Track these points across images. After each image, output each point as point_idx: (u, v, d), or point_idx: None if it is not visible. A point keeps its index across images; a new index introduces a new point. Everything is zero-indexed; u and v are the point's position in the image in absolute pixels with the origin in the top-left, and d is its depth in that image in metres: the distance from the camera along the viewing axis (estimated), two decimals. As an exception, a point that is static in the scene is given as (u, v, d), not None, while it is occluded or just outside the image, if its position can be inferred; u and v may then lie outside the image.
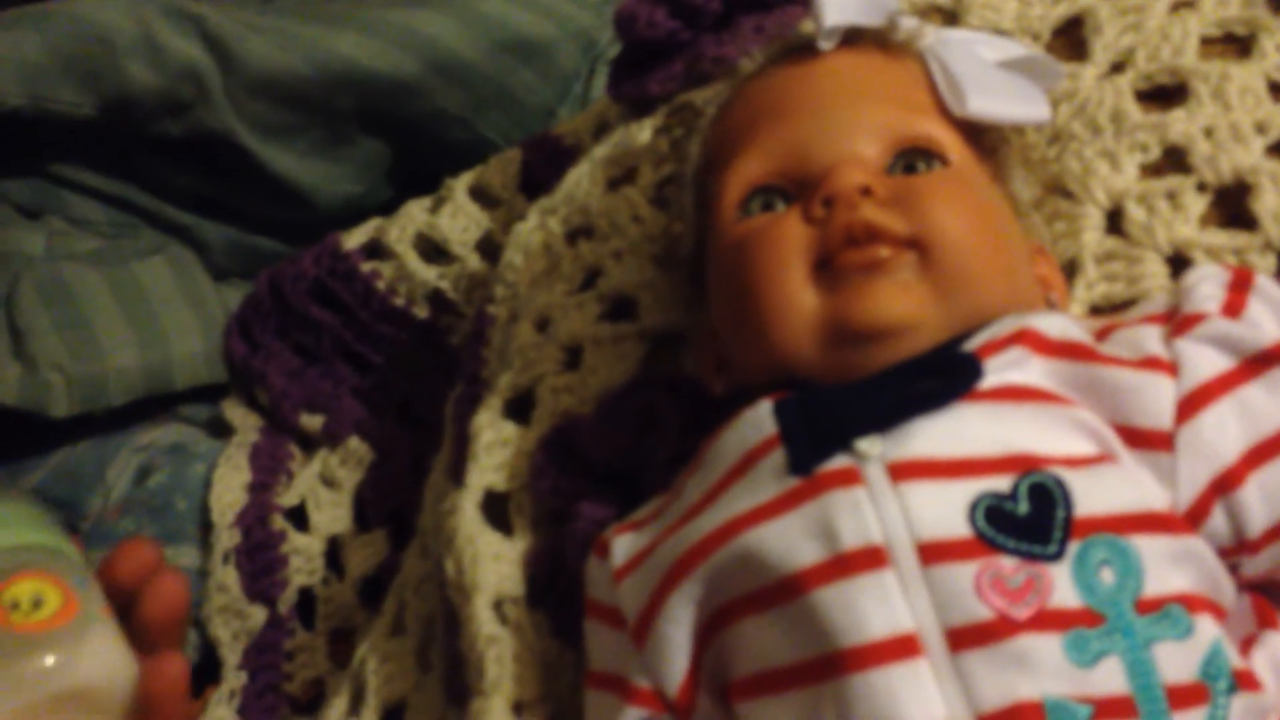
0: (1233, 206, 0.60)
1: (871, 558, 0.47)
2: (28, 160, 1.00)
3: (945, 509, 0.48)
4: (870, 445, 0.49)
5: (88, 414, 0.89)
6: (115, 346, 0.90)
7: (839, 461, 0.50)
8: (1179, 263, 0.60)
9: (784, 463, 0.51)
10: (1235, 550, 0.50)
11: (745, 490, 0.52)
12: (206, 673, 0.82)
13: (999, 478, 0.48)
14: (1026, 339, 0.51)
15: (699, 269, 0.61)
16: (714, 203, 0.58)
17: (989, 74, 0.58)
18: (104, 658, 0.53)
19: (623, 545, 0.56)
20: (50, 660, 0.51)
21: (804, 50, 0.58)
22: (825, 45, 0.57)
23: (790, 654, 0.49)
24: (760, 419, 0.52)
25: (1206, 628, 0.47)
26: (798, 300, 0.53)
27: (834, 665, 0.47)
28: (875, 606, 0.47)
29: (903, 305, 0.51)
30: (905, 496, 0.48)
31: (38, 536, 0.56)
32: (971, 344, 0.51)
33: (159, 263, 0.98)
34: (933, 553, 0.47)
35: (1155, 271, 0.60)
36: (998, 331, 0.52)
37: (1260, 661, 0.50)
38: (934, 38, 0.58)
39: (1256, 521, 0.49)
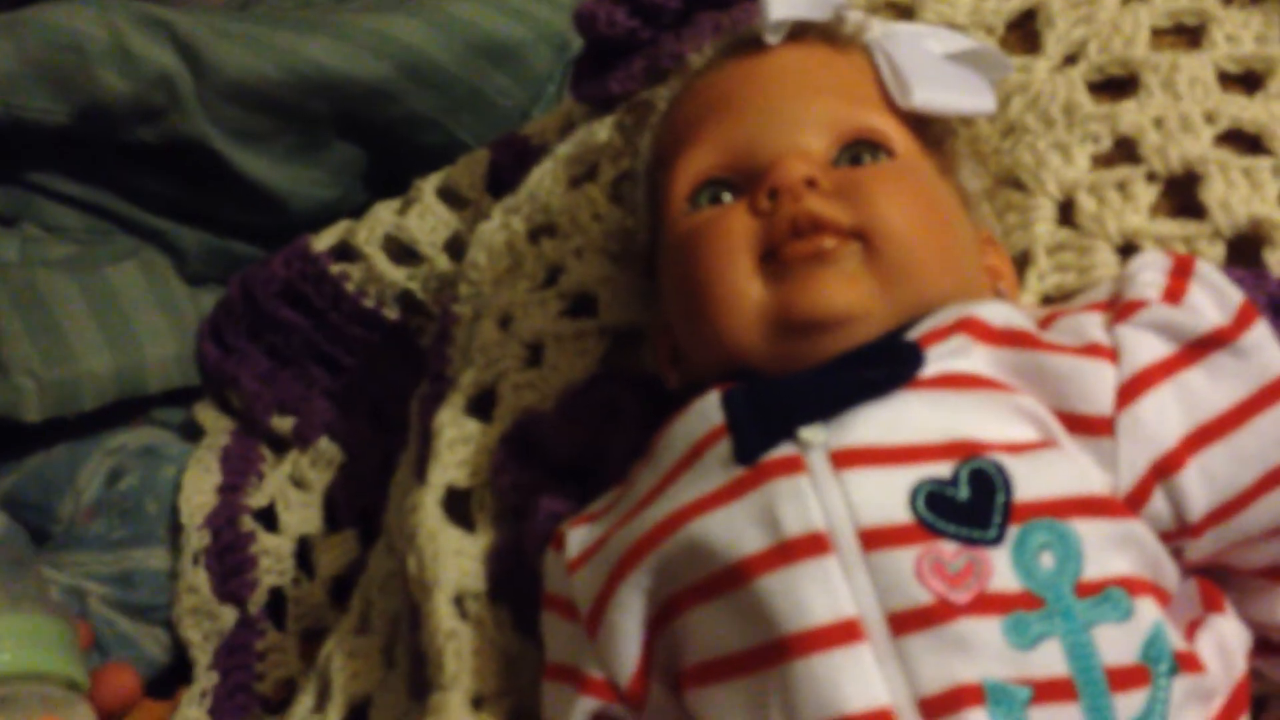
0: (1182, 196, 0.61)
1: (814, 544, 0.48)
2: (1, 167, 1.01)
3: (886, 495, 0.48)
4: (814, 434, 0.50)
5: (60, 418, 0.90)
6: (87, 351, 0.91)
7: (783, 450, 0.50)
8: (1130, 252, 0.60)
9: (730, 452, 0.51)
10: (1177, 534, 0.50)
11: (693, 480, 0.52)
12: (178, 674, 0.82)
13: (940, 464, 0.48)
14: (969, 327, 0.52)
15: (652, 263, 0.61)
16: (664, 197, 0.58)
17: (935, 66, 0.58)
18: None
19: (577, 537, 0.57)
20: None
21: (751, 45, 0.59)
22: (771, 40, 0.58)
23: (737, 642, 0.49)
24: (708, 409, 0.53)
25: (1147, 610, 0.48)
26: (744, 291, 0.53)
27: (778, 652, 0.47)
28: (818, 592, 0.47)
29: (847, 295, 0.52)
30: (847, 483, 0.48)
31: (58, 663, 0.55)
32: (914, 333, 0.52)
33: (131, 267, 0.98)
34: (874, 539, 0.47)
35: (1106, 261, 0.60)
36: (941, 320, 0.52)
37: (1205, 644, 0.50)
38: (880, 31, 0.59)
39: (1197, 505, 0.50)
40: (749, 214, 0.54)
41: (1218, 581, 0.53)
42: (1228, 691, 0.50)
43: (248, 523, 0.84)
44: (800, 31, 0.58)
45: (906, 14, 0.71)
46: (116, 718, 0.62)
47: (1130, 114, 0.63)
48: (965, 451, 0.49)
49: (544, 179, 0.76)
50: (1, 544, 0.59)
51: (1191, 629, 0.51)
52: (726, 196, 0.56)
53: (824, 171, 0.54)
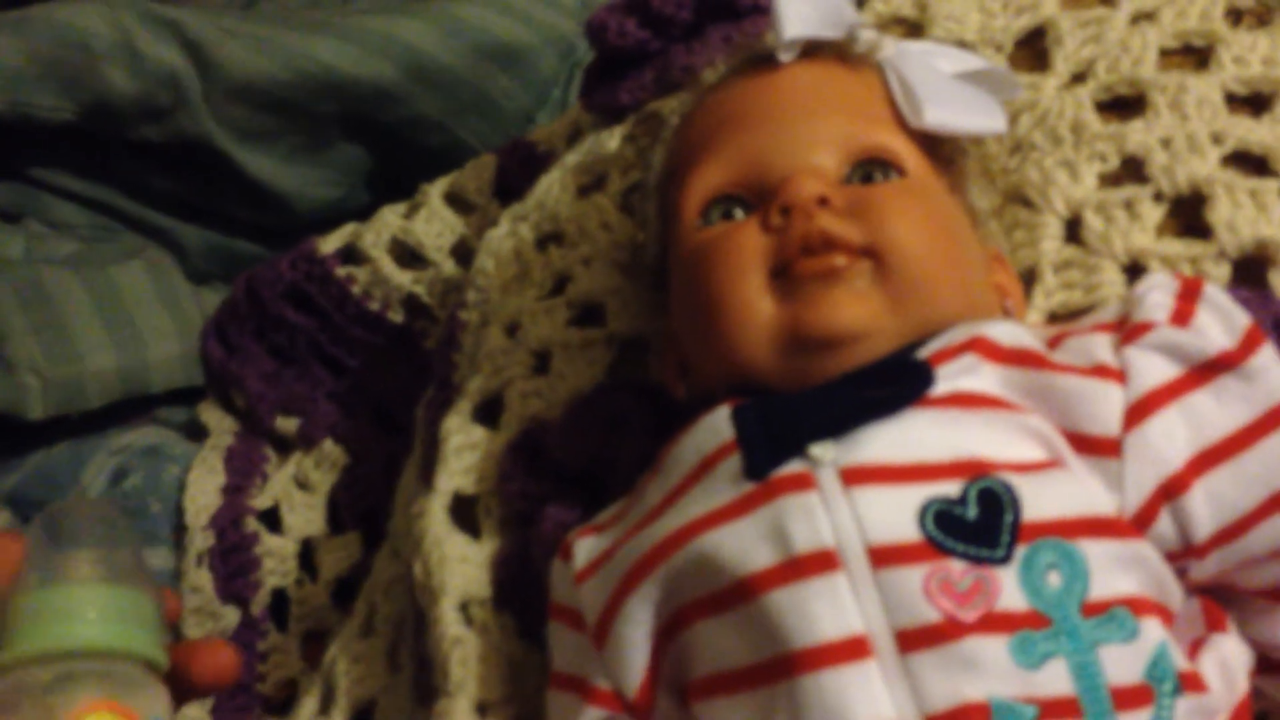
0: (1189, 216, 0.61)
1: (823, 561, 0.48)
2: (7, 164, 1.01)
3: (896, 513, 0.48)
4: (824, 451, 0.50)
5: (64, 416, 0.90)
6: (92, 349, 0.91)
7: (793, 466, 0.50)
8: (1136, 271, 0.61)
9: (740, 467, 0.51)
10: (1182, 554, 0.51)
11: (702, 494, 0.52)
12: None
13: (949, 483, 0.49)
14: (978, 346, 0.52)
15: (662, 276, 0.62)
16: (675, 211, 0.58)
17: (946, 86, 0.58)
18: None
19: (585, 548, 0.57)
20: None
21: (764, 61, 0.59)
22: (785, 57, 0.58)
23: (745, 655, 0.50)
24: (717, 424, 0.53)
25: (1152, 630, 0.48)
26: (755, 307, 0.54)
27: (786, 666, 0.48)
28: (826, 609, 0.48)
29: (857, 313, 0.52)
30: (857, 501, 0.49)
31: (135, 641, 0.55)
32: (924, 351, 0.52)
33: (136, 266, 0.98)
34: (883, 556, 0.48)
35: (1112, 280, 0.61)
36: (950, 339, 0.53)
37: (1208, 664, 0.51)
38: (892, 50, 0.59)
39: (1203, 526, 0.50)
40: (761, 230, 0.55)
41: (1220, 601, 0.54)
42: (1229, 710, 0.50)
43: (252, 524, 0.84)
44: (813, 49, 0.59)
45: (916, 30, 0.71)
46: (211, 693, 0.61)
47: (1138, 134, 0.63)
48: (974, 470, 0.49)
49: (552, 187, 0.76)
50: (101, 511, 0.59)
51: (1194, 648, 0.51)
52: (738, 213, 0.56)
53: (835, 189, 0.54)
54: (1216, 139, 0.62)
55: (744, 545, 0.50)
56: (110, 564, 0.56)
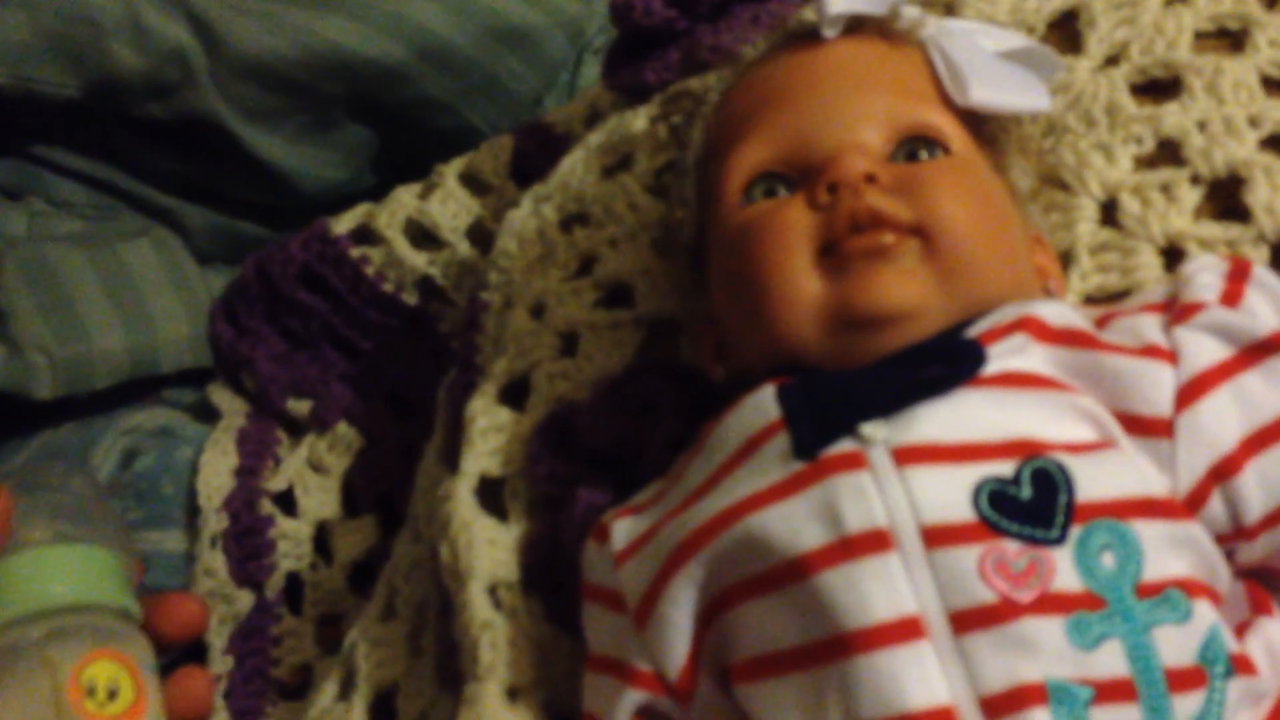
0: (1226, 199, 0.61)
1: (876, 541, 0.48)
2: (9, 140, 0.99)
3: (949, 493, 0.48)
4: (875, 430, 0.50)
5: (71, 396, 0.88)
6: (100, 329, 0.89)
7: (843, 445, 0.50)
8: (1172, 254, 0.61)
9: (788, 447, 0.51)
10: (1232, 536, 0.51)
11: (749, 474, 0.52)
12: (193, 658, 0.81)
13: (1002, 462, 0.48)
14: (1028, 326, 0.52)
15: (700, 256, 0.61)
16: (716, 189, 0.58)
17: (990, 64, 0.58)
18: None
19: (623, 529, 0.56)
20: None
21: (807, 38, 0.58)
22: (828, 33, 0.58)
23: (793, 637, 0.49)
24: (764, 403, 0.53)
25: (1204, 612, 0.48)
26: (802, 286, 0.53)
27: (838, 648, 0.47)
28: (879, 589, 0.47)
29: (906, 291, 0.52)
30: (909, 480, 0.48)
31: (115, 594, 0.55)
32: (974, 330, 0.52)
33: (144, 245, 0.96)
34: (936, 536, 0.47)
35: (1149, 263, 0.61)
36: (1000, 318, 0.52)
37: (1254, 647, 0.50)
38: (935, 27, 0.59)
39: (1254, 508, 0.50)
40: (806, 208, 0.54)
41: (1265, 584, 0.54)
42: (1276, 694, 0.50)
43: (266, 506, 0.83)
44: (856, 25, 0.58)
45: (948, 10, 0.71)
46: (178, 647, 0.61)
47: (1173, 116, 0.63)
48: (1027, 450, 0.49)
49: (576, 167, 0.75)
50: (56, 475, 0.58)
51: (1240, 631, 0.51)
52: (781, 190, 0.56)
53: (882, 167, 0.54)
54: (1253, 122, 0.62)
55: (794, 525, 0.49)
56: (62, 526, 0.55)
